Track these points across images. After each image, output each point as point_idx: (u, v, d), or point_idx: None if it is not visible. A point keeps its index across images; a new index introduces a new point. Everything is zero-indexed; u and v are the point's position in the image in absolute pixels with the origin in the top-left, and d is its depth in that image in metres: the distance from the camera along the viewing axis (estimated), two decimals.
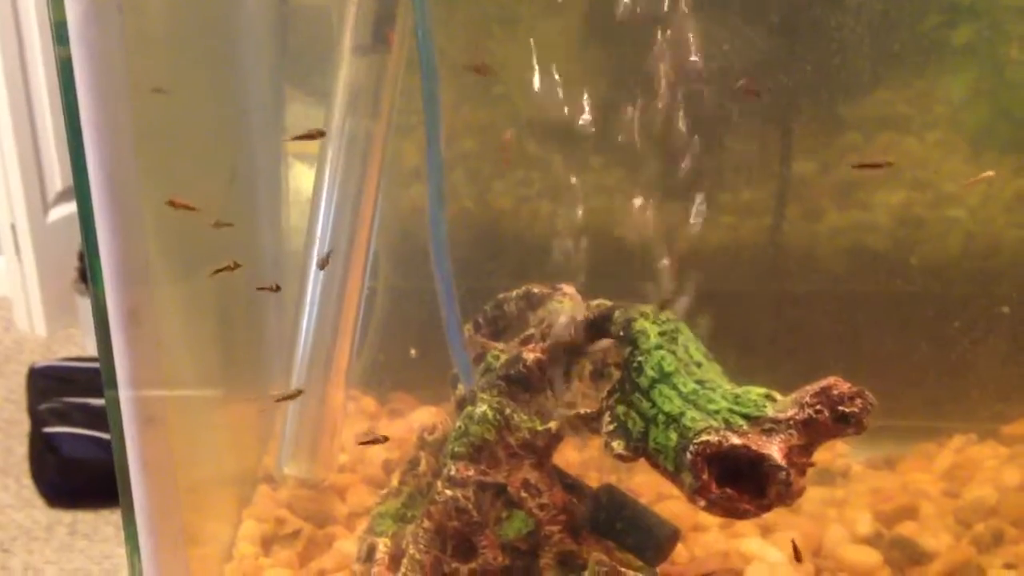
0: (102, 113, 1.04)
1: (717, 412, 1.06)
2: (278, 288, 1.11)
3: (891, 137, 1.58)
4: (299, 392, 1.17)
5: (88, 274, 1.10)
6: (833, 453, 1.57)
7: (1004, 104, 1.56)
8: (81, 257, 2.52)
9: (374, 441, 1.16)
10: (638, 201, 1.21)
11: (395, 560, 1.25)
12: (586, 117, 1.15)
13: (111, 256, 1.09)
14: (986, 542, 1.37)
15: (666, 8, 1.13)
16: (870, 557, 1.35)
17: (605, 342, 1.18)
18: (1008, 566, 1.32)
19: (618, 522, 1.21)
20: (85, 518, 1.96)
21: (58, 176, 2.68)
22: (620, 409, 1.12)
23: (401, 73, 1.30)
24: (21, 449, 2.12)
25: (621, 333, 1.16)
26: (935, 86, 1.56)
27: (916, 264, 1.60)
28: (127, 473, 1.14)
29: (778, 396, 1.08)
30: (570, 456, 1.48)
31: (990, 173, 1.24)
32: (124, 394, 1.12)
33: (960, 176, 1.59)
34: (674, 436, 1.06)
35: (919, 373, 1.57)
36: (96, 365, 1.13)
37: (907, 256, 1.61)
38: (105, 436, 1.15)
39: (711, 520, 1.41)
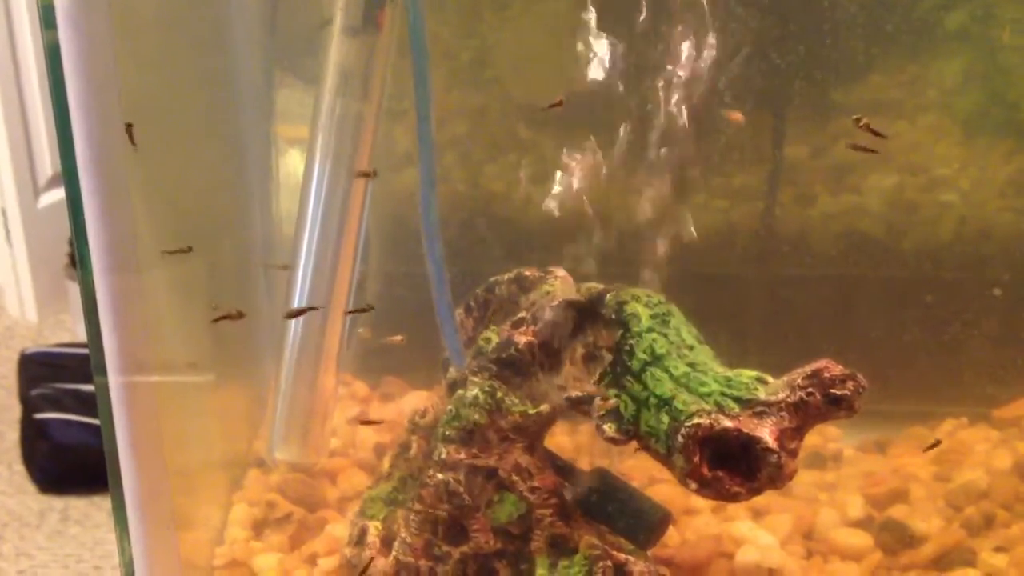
0: (90, 97, 1.03)
1: (709, 395, 1.06)
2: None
3: (884, 121, 1.58)
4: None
5: (77, 258, 1.09)
6: (825, 437, 1.57)
7: (997, 88, 1.56)
8: (72, 242, 2.51)
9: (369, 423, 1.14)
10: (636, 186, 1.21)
11: (386, 543, 1.25)
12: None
13: (100, 241, 1.08)
14: (977, 525, 1.37)
15: None
16: (861, 540, 1.35)
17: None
18: (999, 549, 1.32)
19: (610, 505, 1.21)
20: (77, 504, 1.95)
21: (48, 161, 2.67)
22: (611, 392, 1.12)
23: (391, 55, 1.30)
24: (12, 435, 2.12)
25: (613, 316, 1.15)
26: (928, 70, 1.55)
27: (908, 248, 1.60)
28: (117, 458, 1.13)
29: (770, 379, 1.08)
30: (562, 440, 1.48)
31: None
32: (113, 380, 1.12)
33: (953, 160, 1.59)
34: (666, 419, 1.06)
35: (911, 357, 1.58)
36: (87, 351, 1.12)
37: (900, 240, 1.61)
38: (97, 422, 1.14)
39: (703, 503, 1.41)
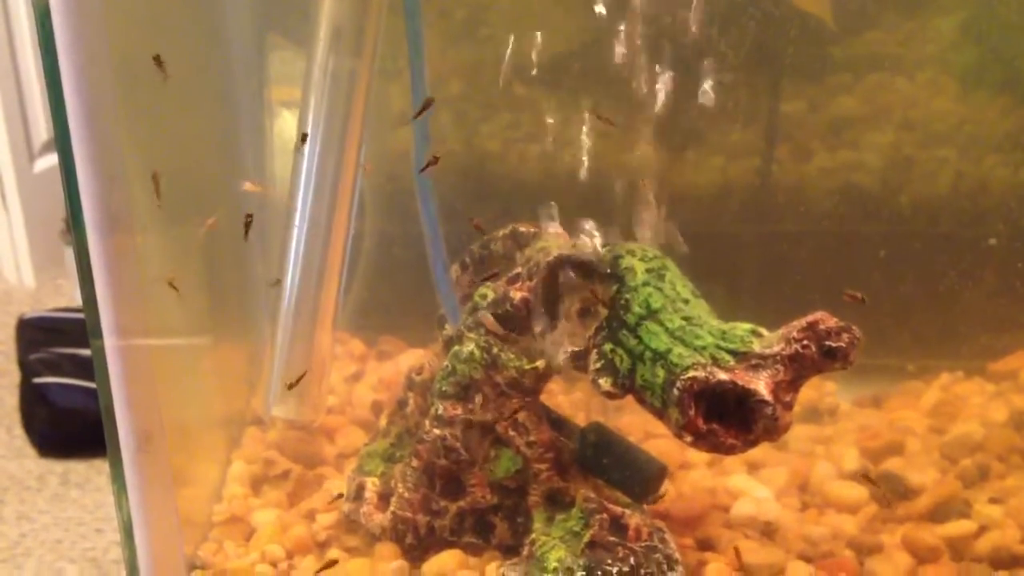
0: (81, 60, 1.03)
1: (704, 348, 1.06)
2: None
3: (881, 77, 1.57)
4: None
5: (70, 221, 1.09)
6: (821, 391, 1.57)
7: (994, 44, 1.55)
8: None
9: None
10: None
11: (383, 499, 1.25)
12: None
13: (93, 203, 1.08)
14: (972, 477, 1.38)
15: None
16: (857, 492, 1.36)
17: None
18: (993, 500, 1.33)
19: (606, 459, 1.21)
20: (77, 468, 1.96)
21: (44, 125, 2.66)
22: (607, 347, 1.12)
23: (384, 10, 1.29)
24: (12, 400, 2.12)
25: (608, 271, 1.15)
26: (925, 26, 1.54)
27: (905, 203, 1.60)
28: (114, 418, 1.13)
29: (765, 332, 1.08)
30: (558, 395, 1.49)
31: None
32: (109, 342, 1.12)
33: (950, 116, 1.58)
34: (661, 372, 1.06)
35: (907, 311, 1.58)
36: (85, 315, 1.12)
37: (896, 195, 1.60)
38: (95, 385, 1.14)
39: (699, 457, 1.41)
